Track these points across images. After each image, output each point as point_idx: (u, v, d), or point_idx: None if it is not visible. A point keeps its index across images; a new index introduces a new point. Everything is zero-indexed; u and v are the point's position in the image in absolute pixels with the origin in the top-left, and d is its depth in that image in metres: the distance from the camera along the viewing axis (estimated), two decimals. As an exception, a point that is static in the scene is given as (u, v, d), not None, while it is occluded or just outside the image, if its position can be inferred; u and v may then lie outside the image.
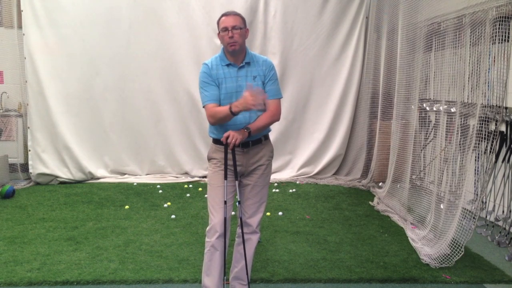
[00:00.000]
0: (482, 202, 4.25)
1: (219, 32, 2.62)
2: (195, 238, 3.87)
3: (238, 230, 2.79)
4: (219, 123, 2.62)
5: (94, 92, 5.89)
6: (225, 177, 2.63)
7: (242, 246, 2.71)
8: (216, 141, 2.72)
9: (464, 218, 3.38)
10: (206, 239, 2.66)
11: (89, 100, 5.89)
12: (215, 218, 2.63)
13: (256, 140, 2.69)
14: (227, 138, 2.50)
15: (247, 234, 2.73)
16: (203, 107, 2.64)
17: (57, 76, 5.76)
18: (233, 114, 2.48)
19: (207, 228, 2.66)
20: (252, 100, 2.41)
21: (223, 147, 2.64)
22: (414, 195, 4.49)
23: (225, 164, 2.62)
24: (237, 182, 2.67)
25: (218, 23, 2.62)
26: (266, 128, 2.71)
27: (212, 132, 2.74)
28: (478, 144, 3.61)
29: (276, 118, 2.69)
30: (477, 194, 4.13)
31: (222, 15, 2.62)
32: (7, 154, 5.73)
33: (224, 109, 2.52)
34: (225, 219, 2.63)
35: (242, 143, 2.57)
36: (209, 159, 2.78)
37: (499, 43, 3.70)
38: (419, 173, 5.00)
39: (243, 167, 2.69)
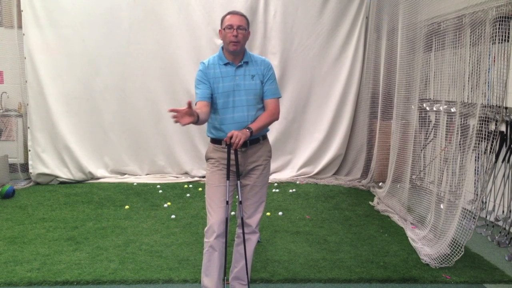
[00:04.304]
0: (482, 202, 4.25)
1: (223, 29, 2.60)
2: (195, 238, 3.87)
3: (238, 230, 2.79)
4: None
5: (94, 92, 5.89)
6: (227, 177, 2.63)
7: (242, 246, 2.71)
8: (214, 141, 2.71)
9: (464, 218, 3.38)
10: (205, 239, 2.65)
11: (89, 100, 5.89)
12: (213, 218, 2.62)
13: (254, 139, 2.69)
14: (231, 138, 2.48)
15: (246, 234, 2.72)
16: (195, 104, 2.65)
17: (57, 76, 5.76)
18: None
19: (205, 229, 2.66)
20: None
21: (220, 147, 2.65)
22: (414, 195, 4.49)
23: (228, 164, 2.61)
24: (238, 182, 2.66)
25: (223, 20, 2.62)
26: (266, 128, 2.73)
27: (210, 132, 2.73)
28: (478, 144, 3.61)
29: (275, 117, 2.71)
30: (477, 194, 4.13)
31: (229, 13, 2.62)
32: (7, 154, 5.74)
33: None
34: (226, 219, 2.62)
35: None
36: (207, 158, 2.77)
37: (499, 43, 3.70)
38: (419, 173, 5.00)
39: (241, 166, 2.69)
